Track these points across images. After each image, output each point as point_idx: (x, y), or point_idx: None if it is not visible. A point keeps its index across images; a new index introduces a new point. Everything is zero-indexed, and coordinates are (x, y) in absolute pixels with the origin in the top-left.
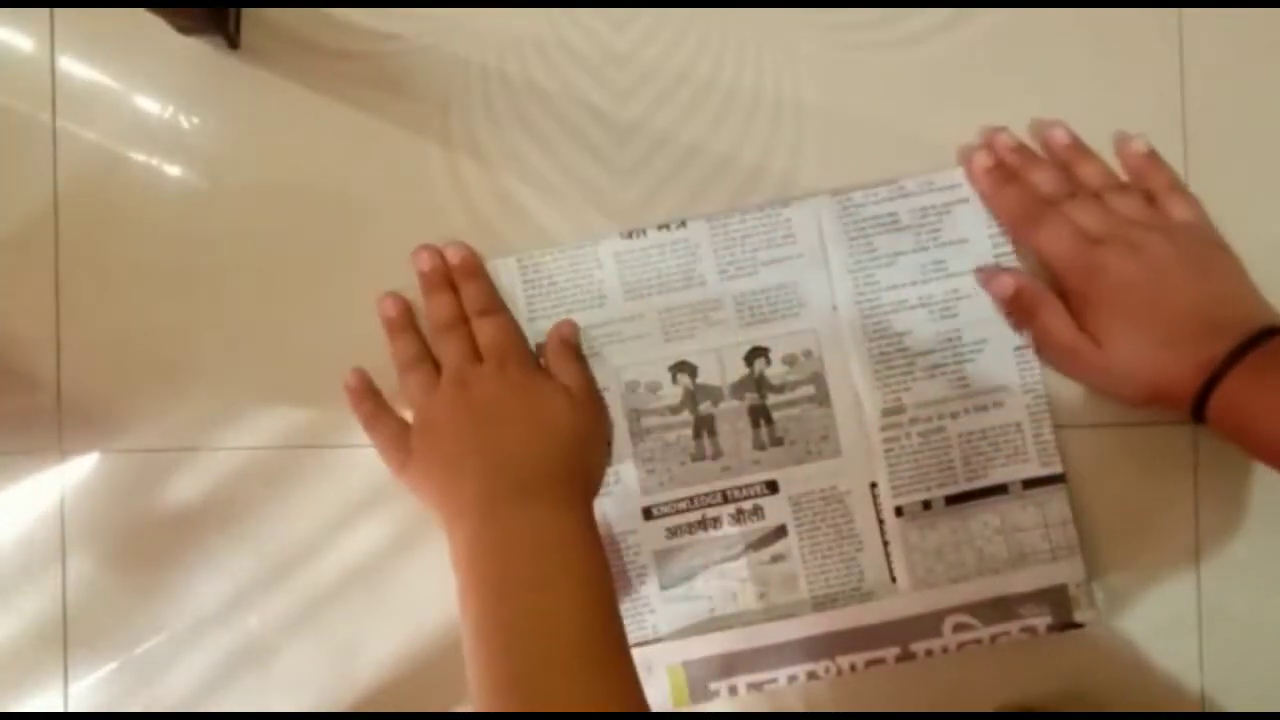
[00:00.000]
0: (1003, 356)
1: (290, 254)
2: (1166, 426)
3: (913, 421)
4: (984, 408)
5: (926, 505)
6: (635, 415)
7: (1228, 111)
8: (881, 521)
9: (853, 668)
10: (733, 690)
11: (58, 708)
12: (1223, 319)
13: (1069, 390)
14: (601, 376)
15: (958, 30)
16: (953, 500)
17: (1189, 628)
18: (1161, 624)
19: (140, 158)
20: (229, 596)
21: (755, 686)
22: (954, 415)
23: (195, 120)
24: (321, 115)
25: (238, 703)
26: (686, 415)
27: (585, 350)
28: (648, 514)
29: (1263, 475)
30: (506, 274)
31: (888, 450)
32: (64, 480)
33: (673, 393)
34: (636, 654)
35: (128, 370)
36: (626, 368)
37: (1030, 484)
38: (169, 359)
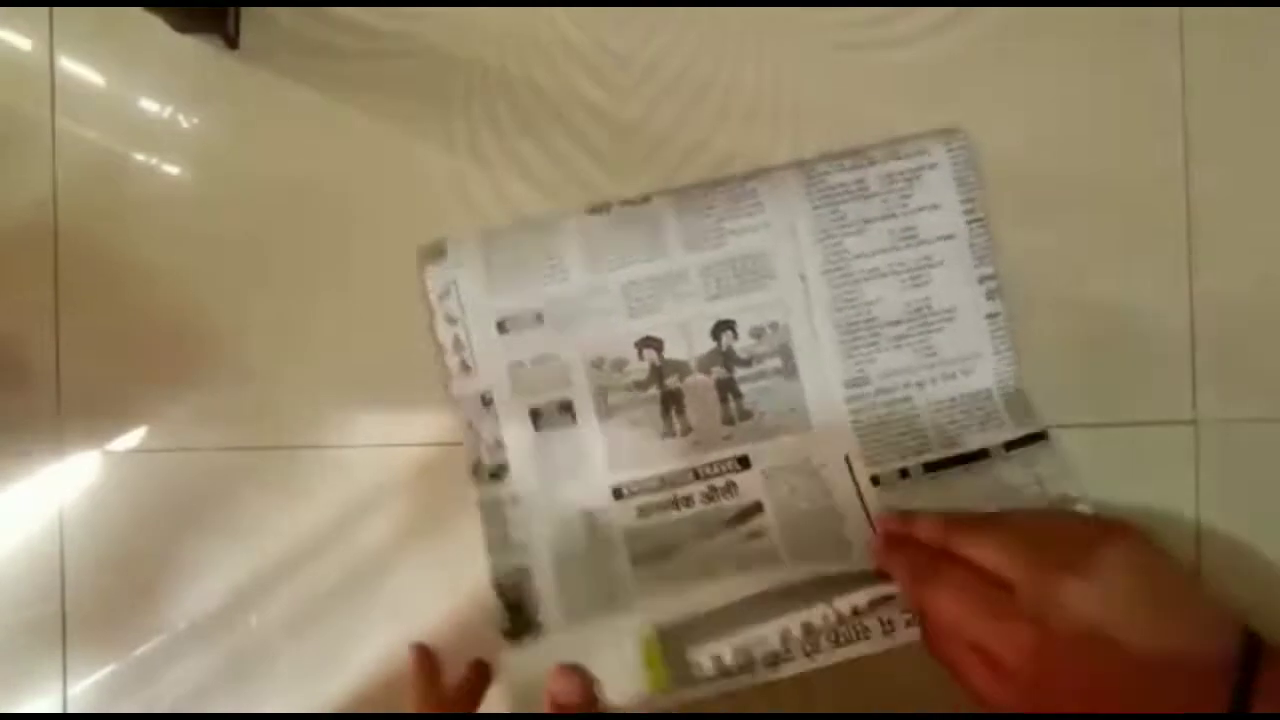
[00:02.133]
0: (973, 324)
1: (290, 253)
2: (1166, 426)
3: (878, 392)
4: (951, 376)
5: (904, 474)
6: (602, 393)
7: (1229, 112)
8: (860, 494)
9: (855, 611)
10: (718, 662)
11: (56, 709)
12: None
13: (1066, 387)
14: (565, 353)
15: (959, 29)
16: (932, 467)
17: None
18: None
19: (140, 157)
20: (228, 596)
21: (744, 652)
22: (920, 384)
23: (195, 120)
24: (321, 115)
25: (237, 703)
26: (654, 391)
27: (549, 324)
28: (616, 493)
29: (1263, 475)
30: (468, 253)
31: (855, 422)
32: (64, 480)
33: (639, 369)
34: (603, 624)
35: (128, 370)
36: (591, 343)
37: (1012, 445)
38: (169, 359)
